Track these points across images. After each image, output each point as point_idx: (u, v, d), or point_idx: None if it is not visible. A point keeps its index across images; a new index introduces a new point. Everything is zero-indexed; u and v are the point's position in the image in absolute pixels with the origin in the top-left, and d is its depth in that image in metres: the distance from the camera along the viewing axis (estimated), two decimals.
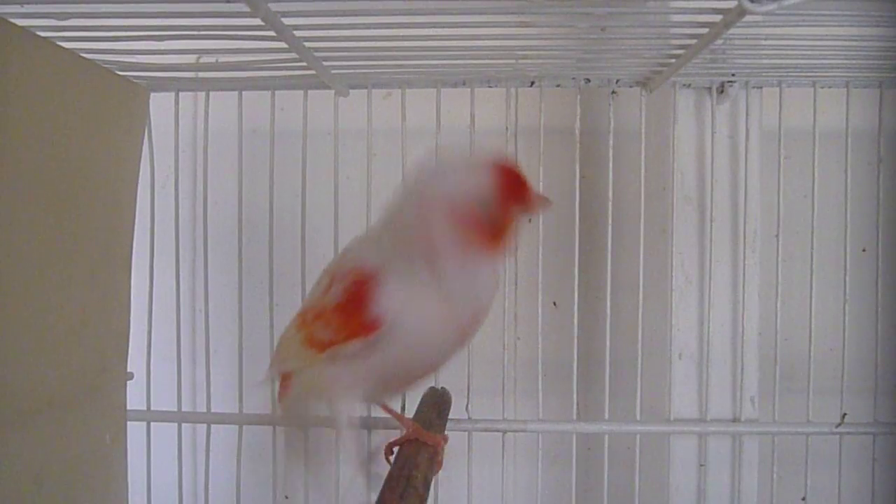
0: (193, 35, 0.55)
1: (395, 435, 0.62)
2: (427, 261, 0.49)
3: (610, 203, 0.73)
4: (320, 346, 0.51)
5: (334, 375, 0.52)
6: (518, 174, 0.49)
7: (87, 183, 0.58)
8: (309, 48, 0.59)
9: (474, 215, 0.48)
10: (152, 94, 0.72)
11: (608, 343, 0.74)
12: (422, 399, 0.69)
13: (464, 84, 0.73)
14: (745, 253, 0.73)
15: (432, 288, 0.49)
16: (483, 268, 0.50)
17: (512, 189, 0.49)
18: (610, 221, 0.73)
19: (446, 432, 0.65)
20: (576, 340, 0.74)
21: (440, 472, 0.61)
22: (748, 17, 0.47)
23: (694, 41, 0.58)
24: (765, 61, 0.67)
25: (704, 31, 0.55)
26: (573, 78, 0.73)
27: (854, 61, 0.67)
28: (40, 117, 0.50)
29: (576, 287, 0.74)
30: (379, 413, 0.68)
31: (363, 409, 0.60)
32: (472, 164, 0.51)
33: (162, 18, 0.52)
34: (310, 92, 0.74)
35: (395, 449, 0.60)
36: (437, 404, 0.68)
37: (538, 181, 0.73)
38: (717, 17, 0.51)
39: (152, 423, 0.76)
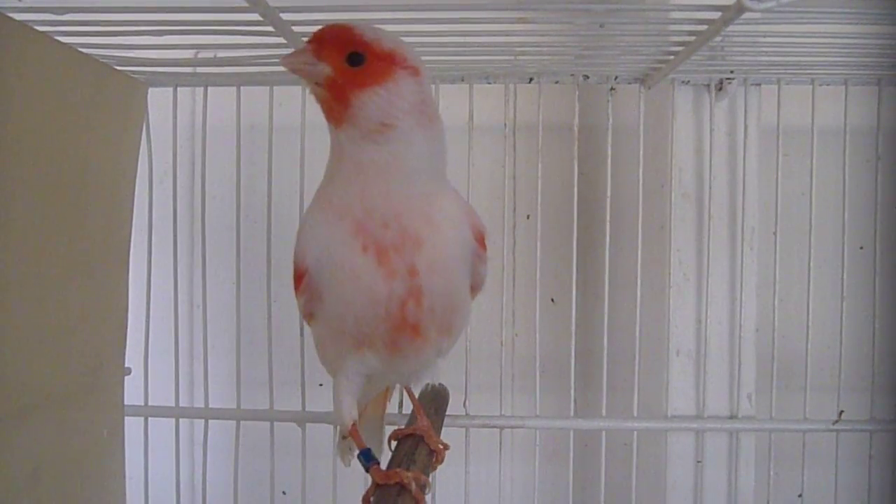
0: (192, 30, 0.55)
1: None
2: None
3: (608, 200, 0.73)
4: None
5: (316, 337, 0.54)
6: (336, 31, 0.46)
7: (85, 178, 0.58)
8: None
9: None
10: (150, 89, 0.71)
11: (606, 340, 0.74)
12: (419, 396, 0.69)
13: (462, 80, 0.73)
14: (742, 250, 0.74)
15: (346, 220, 0.47)
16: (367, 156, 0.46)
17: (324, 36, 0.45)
18: (608, 218, 0.73)
19: (445, 428, 0.65)
20: (573, 337, 0.74)
21: (438, 467, 0.60)
22: (747, 15, 0.47)
23: (693, 38, 0.58)
24: (763, 58, 0.67)
25: (703, 28, 0.55)
26: (572, 74, 0.73)
27: (852, 59, 0.67)
28: (38, 112, 0.50)
29: (574, 284, 0.74)
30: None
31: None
32: None
33: (160, 13, 0.52)
34: None
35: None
36: (434, 401, 0.68)
37: (536, 177, 0.73)
38: (716, 14, 0.51)
39: (150, 419, 0.76)
